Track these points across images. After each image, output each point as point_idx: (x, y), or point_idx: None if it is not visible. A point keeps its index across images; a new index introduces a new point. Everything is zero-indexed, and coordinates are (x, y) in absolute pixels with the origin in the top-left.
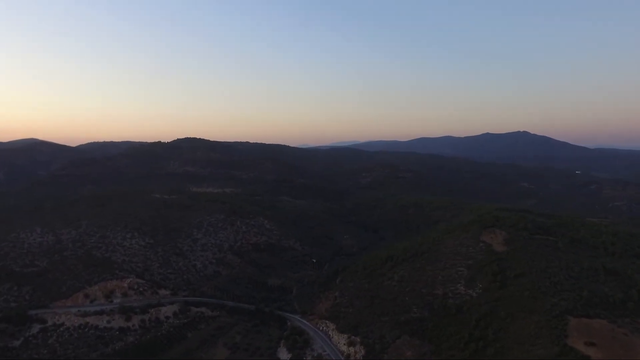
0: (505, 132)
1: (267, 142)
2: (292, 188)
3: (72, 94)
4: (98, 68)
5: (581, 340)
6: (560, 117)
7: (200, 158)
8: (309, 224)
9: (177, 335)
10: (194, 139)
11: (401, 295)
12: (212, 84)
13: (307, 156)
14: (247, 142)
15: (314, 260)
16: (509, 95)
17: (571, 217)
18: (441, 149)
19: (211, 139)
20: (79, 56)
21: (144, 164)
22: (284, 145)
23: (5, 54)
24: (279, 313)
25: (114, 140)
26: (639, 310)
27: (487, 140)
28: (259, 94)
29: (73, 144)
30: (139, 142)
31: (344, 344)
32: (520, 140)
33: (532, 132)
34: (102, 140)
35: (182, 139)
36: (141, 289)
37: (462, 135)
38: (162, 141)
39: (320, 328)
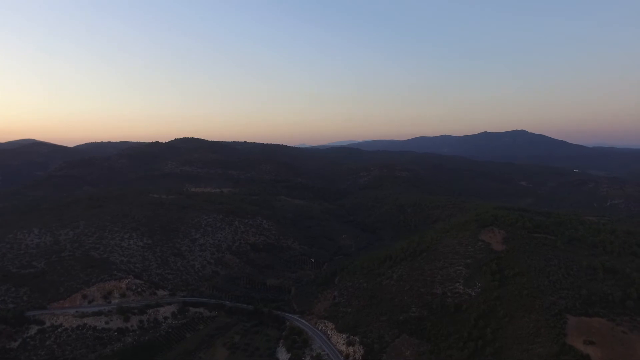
0: (503, 131)
1: (265, 142)
2: (290, 188)
3: (69, 94)
4: (95, 68)
5: (580, 339)
6: (558, 115)
7: (198, 158)
8: (307, 224)
9: (176, 335)
10: (192, 139)
11: (400, 295)
12: (210, 84)
13: (305, 156)
14: (245, 141)
15: (313, 260)
16: (506, 94)
17: (569, 216)
18: (439, 148)
19: (209, 139)
20: (76, 56)
21: (142, 164)
22: (282, 145)
23: (2, 54)
24: (278, 313)
25: (112, 140)
26: (637, 309)
27: (485, 139)
28: (256, 93)
29: (70, 145)
30: (137, 143)
31: (343, 344)
32: (518, 139)
33: (529, 130)
34: (99, 141)
35: (180, 139)
36: (139, 290)
37: (460, 134)
38: (159, 141)
39: (319, 328)
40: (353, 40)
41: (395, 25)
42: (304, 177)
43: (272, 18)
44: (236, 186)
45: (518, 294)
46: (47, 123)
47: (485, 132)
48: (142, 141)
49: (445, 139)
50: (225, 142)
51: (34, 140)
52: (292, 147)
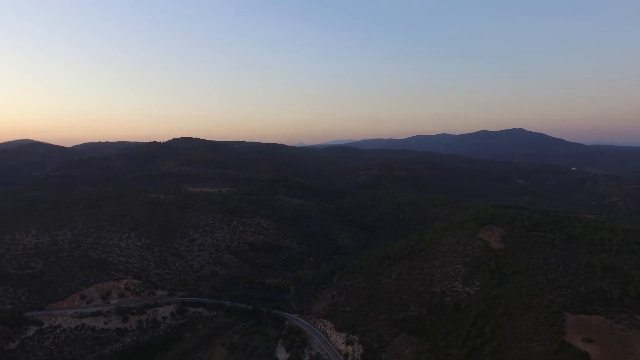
0: (500, 130)
1: (263, 142)
2: (289, 187)
3: (67, 94)
4: (93, 68)
5: (579, 337)
6: (555, 114)
7: (196, 158)
8: (306, 223)
9: (175, 335)
10: (190, 138)
11: (399, 294)
12: (208, 84)
13: (303, 155)
14: (243, 141)
15: (311, 259)
16: (504, 93)
17: (567, 214)
18: (437, 147)
19: (207, 139)
20: (73, 56)
21: (140, 164)
22: (280, 145)
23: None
24: (277, 312)
25: (110, 140)
26: (636, 306)
27: (483, 137)
28: (254, 93)
29: (68, 145)
30: (135, 142)
31: (342, 343)
32: (516, 137)
33: (527, 129)
34: (97, 141)
35: (178, 138)
36: (138, 290)
37: (458, 133)
38: (157, 141)
39: (318, 327)
40: (351, 39)
41: (393, 24)
42: (302, 176)
43: (270, 17)
44: (234, 186)
45: (517, 292)
46: (45, 123)
47: (484, 131)
48: (140, 141)
49: (443, 138)
50: (224, 141)
51: (32, 140)
52: (290, 146)
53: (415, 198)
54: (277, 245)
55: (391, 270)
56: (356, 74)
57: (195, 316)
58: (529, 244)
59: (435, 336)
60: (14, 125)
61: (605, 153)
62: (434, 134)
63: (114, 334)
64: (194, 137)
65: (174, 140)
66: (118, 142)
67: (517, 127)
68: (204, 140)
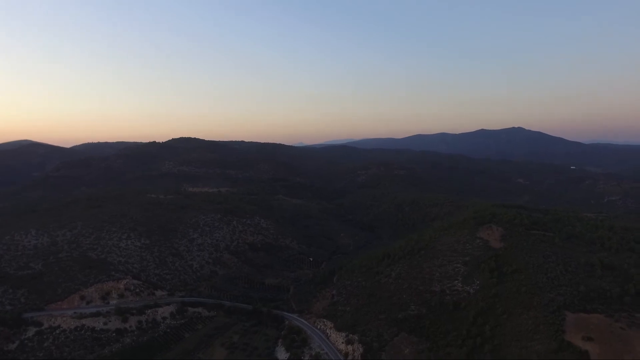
0: (499, 129)
1: (262, 141)
2: (288, 187)
3: (66, 94)
4: (91, 68)
5: (579, 335)
6: (554, 112)
7: (196, 158)
8: (306, 223)
9: (175, 336)
10: (189, 138)
11: (398, 293)
12: (207, 84)
13: (303, 155)
14: (242, 141)
15: (311, 259)
16: (503, 92)
17: (567, 213)
18: (436, 146)
19: (207, 139)
20: (73, 56)
21: (140, 164)
22: (280, 144)
23: None
24: (276, 312)
25: (109, 140)
26: (635, 305)
27: (482, 136)
28: (254, 93)
29: (67, 145)
30: (134, 143)
31: (342, 342)
32: (515, 136)
33: (526, 128)
34: (96, 141)
35: (177, 138)
36: (137, 290)
37: (457, 132)
38: (157, 141)
39: (318, 327)
40: (350, 38)
41: (392, 23)
42: (302, 176)
43: (269, 17)
44: (234, 186)
45: (516, 291)
46: (44, 123)
47: (483, 130)
48: (140, 141)
49: (442, 137)
50: (223, 141)
51: (31, 141)
52: (289, 146)
53: (415, 197)
54: (276, 245)
55: (391, 269)
56: (355, 73)
57: (195, 316)
58: (529, 243)
59: (435, 335)
60: (13, 125)
61: (605, 152)
62: (433, 133)
63: (114, 334)
64: (193, 137)
65: (174, 140)
66: (117, 143)
67: (516, 126)
68: (203, 140)
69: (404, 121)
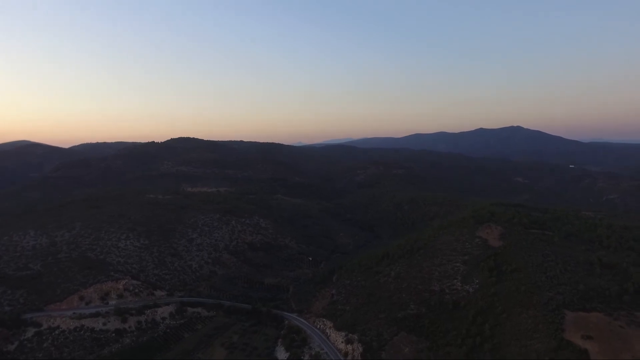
0: (498, 127)
1: (261, 141)
2: (287, 186)
3: (65, 94)
4: (91, 68)
5: (578, 334)
6: (553, 111)
7: (195, 158)
8: (305, 223)
9: (174, 336)
10: (188, 138)
11: (398, 292)
12: (206, 84)
13: (302, 154)
14: (241, 141)
15: (310, 259)
16: (502, 91)
17: (566, 211)
18: (435, 145)
19: (206, 139)
20: (71, 57)
21: (139, 165)
22: (279, 144)
23: None
24: (276, 312)
25: (107, 141)
26: (635, 303)
27: (481, 135)
28: (254, 93)
29: (66, 146)
30: (133, 143)
31: (342, 342)
32: (514, 135)
33: (525, 126)
34: (95, 141)
35: (176, 138)
36: (137, 290)
37: (456, 131)
38: (155, 141)
39: (318, 326)
40: (349, 38)
41: (391, 23)
42: (301, 175)
43: (268, 16)
44: (233, 185)
45: (516, 290)
46: (43, 124)
47: (481, 129)
48: (139, 141)
49: (441, 136)
50: (222, 141)
51: (29, 141)
52: (288, 145)
53: (414, 196)
54: (276, 245)
55: (390, 269)
56: (354, 73)
57: (194, 316)
58: (528, 242)
59: (435, 334)
60: (11, 126)
61: (604, 150)
62: (432, 132)
63: (113, 334)
64: (192, 137)
65: (173, 140)
66: (116, 143)
67: (515, 125)
68: (202, 140)
69: (403, 120)
